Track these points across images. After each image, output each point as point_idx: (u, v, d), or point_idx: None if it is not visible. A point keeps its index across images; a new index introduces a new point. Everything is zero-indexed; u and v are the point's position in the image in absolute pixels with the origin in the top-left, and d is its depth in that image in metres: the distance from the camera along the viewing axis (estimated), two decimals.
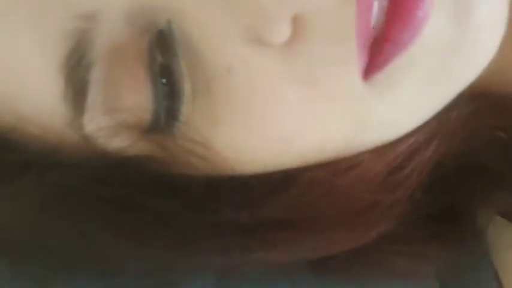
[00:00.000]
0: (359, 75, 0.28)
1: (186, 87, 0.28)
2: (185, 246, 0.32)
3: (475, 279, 0.39)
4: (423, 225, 0.37)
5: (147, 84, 0.28)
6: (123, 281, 0.33)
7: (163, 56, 0.27)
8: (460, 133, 0.35)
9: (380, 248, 0.35)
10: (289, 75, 0.28)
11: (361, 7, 0.26)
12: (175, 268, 0.33)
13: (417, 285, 0.38)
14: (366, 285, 0.37)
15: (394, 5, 0.27)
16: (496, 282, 0.39)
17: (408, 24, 0.27)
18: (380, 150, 0.32)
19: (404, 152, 0.33)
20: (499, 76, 0.36)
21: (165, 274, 0.33)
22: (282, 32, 0.26)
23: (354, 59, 0.27)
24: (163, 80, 0.28)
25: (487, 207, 0.38)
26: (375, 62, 0.28)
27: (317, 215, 0.33)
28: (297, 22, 0.27)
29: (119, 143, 0.29)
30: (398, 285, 0.38)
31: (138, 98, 0.28)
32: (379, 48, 0.28)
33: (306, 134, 0.29)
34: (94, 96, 0.28)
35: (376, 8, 0.27)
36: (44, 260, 0.31)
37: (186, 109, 0.29)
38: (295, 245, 0.33)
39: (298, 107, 0.28)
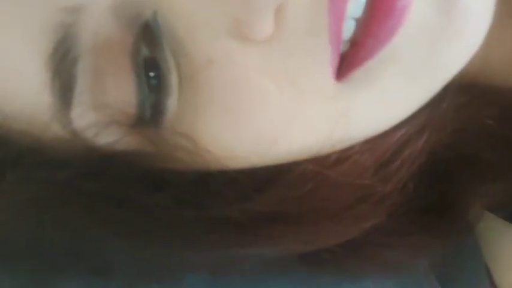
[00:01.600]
0: (331, 72, 0.28)
1: (173, 80, 0.28)
2: (176, 242, 0.32)
3: (466, 272, 0.39)
4: (415, 218, 0.37)
5: (132, 78, 0.28)
6: (115, 278, 0.33)
7: (149, 48, 0.27)
8: (451, 124, 0.35)
9: (372, 240, 0.35)
10: (269, 72, 0.28)
11: (334, 2, 0.26)
12: (168, 265, 0.33)
13: (413, 278, 0.38)
14: (360, 280, 0.37)
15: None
16: (487, 276, 0.39)
17: (388, 16, 0.27)
18: (370, 143, 0.32)
19: (394, 144, 0.33)
20: (488, 67, 0.37)
21: (158, 271, 0.33)
22: (265, 27, 0.26)
23: (326, 56, 0.27)
24: (151, 73, 0.28)
25: (478, 199, 0.38)
26: (351, 58, 0.28)
27: (308, 209, 0.33)
28: (278, 16, 0.27)
29: (107, 137, 0.29)
30: (394, 280, 0.38)
31: (123, 91, 0.28)
32: (360, 45, 0.27)
33: (286, 130, 0.29)
34: (81, 90, 0.27)
35: (352, 3, 0.27)
36: (36, 257, 0.31)
37: (172, 102, 0.28)
38: (287, 238, 0.33)
39: (278, 102, 0.28)
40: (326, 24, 0.27)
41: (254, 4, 0.25)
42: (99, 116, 0.28)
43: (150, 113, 0.28)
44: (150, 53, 0.27)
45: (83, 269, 0.32)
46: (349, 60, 0.28)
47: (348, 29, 0.28)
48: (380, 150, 0.33)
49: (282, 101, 0.28)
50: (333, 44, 0.27)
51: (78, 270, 0.32)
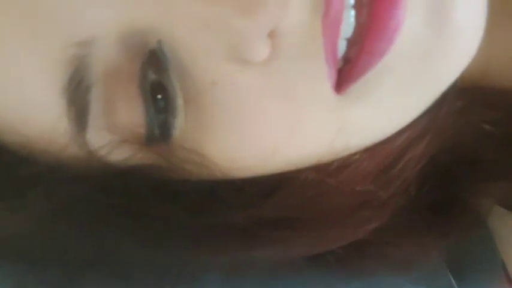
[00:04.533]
0: (331, 88, 0.29)
1: (178, 101, 0.30)
2: (188, 247, 0.34)
3: (482, 265, 0.40)
4: (420, 216, 0.38)
5: (140, 102, 0.30)
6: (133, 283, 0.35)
7: (155, 73, 0.29)
8: (451, 128, 0.36)
9: (377, 240, 0.36)
10: (269, 90, 0.29)
11: (327, 23, 0.28)
12: (182, 268, 0.35)
13: (429, 277, 0.39)
14: (375, 283, 0.38)
15: (367, 16, 0.28)
16: (503, 268, 0.40)
17: (381, 35, 0.28)
18: (371, 150, 0.33)
19: (395, 150, 0.34)
20: (488, 71, 0.37)
21: (172, 274, 0.35)
22: (261, 51, 0.28)
23: (324, 73, 0.29)
24: (159, 96, 0.30)
25: (486, 197, 0.39)
26: (349, 73, 0.29)
27: (311, 214, 0.34)
28: (274, 38, 0.28)
29: (121, 155, 0.31)
30: (406, 277, 0.39)
31: (132, 114, 0.30)
32: (354, 61, 0.29)
33: (288, 144, 0.31)
34: (95, 115, 0.29)
35: (347, 20, 0.28)
36: (59, 268, 0.33)
37: (179, 121, 0.30)
38: (292, 243, 0.35)
39: (279, 119, 0.30)
40: (322, 46, 0.28)
41: (244, 34, 0.27)
42: (112, 136, 0.30)
43: (158, 132, 0.30)
44: (157, 77, 0.29)
45: (103, 275, 0.34)
46: (346, 75, 0.29)
47: (341, 48, 0.29)
48: (381, 156, 0.34)
49: (283, 116, 0.30)
50: (329, 62, 0.28)
51: (99, 276, 0.34)
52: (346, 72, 0.29)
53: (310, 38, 0.28)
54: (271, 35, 0.28)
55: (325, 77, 0.29)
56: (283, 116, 0.30)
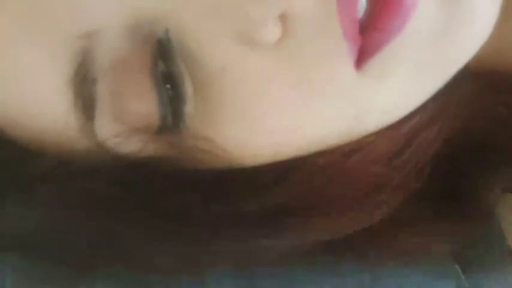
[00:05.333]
0: (352, 65, 0.29)
1: (188, 89, 0.30)
2: (201, 237, 0.33)
3: (490, 254, 0.40)
4: (432, 205, 0.37)
5: (152, 91, 0.29)
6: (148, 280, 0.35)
7: (164, 62, 0.29)
8: (464, 111, 0.36)
9: (389, 228, 0.36)
10: (282, 73, 0.29)
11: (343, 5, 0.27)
12: (195, 259, 0.35)
13: (435, 268, 0.39)
14: (383, 273, 0.38)
15: None
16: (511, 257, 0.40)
17: (397, 12, 0.27)
18: (384, 132, 0.33)
19: (408, 132, 0.34)
20: (501, 54, 0.37)
21: (186, 265, 0.35)
22: (272, 32, 0.28)
23: (345, 50, 0.28)
24: (168, 85, 0.29)
25: (495, 184, 0.39)
26: (366, 49, 0.29)
27: (325, 199, 0.34)
28: (286, 20, 0.28)
29: (131, 146, 0.31)
30: (415, 271, 0.39)
31: (145, 105, 0.30)
32: (370, 36, 0.28)
33: (304, 128, 0.30)
34: (103, 106, 0.29)
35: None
36: (69, 263, 0.33)
37: (189, 109, 0.30)
38: (306, 229, 0.34)
39: (294, 103, 0.29)
40: (338, 23, 0.28)
41: (255, 17, 0.27)
42: (122, 127, 0.30)
43: (171, 122, 0.30)
44: (166, 67, 0.29)
45: (115, 269, 0.34)
46: (363, 51, 0.29)
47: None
48: (394, 138, 0.34)
49: (298, 100, 0.29)
50: (348, 37, 0.28)
51: (111, 269, 0.34)
52: (364, 48, 0.29)
53: (325, 17, 0.28)
54: (282, 16, 0.28)
55: (345, 54, 0.28)
56: (298, 99, 0.29)
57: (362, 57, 0.29)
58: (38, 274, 0.34)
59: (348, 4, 0.27)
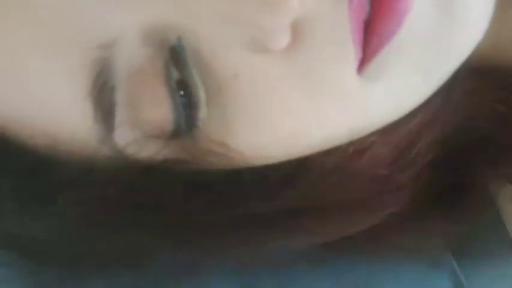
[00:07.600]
0: (355, 71, 0.30)
1: (201, 96, 0.30)
2: (210, 240, 0.34)
3: (491, 245, 0.41)
4: (434, 201, 0.38)
5: (167, 98, 0.30)
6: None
7: (177, 70, 0.30)
8: (464, 109, 0.37)
9: (391, 225, 0.37)
10: (291, 77, 0.30)
11: (354, 7, 0.28)
12: (200, 260, 0.36)
13: (431, 261, 0.39)
14: (379, 267, 0.38)
15: None
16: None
17: (390, 16, 0.28)
18: (386, 134, 0.34)
19: (410, 133, 0.35)
20: (499, 50, 0.38)
21: (190, 267, 0.36)
22: (282, 39, 0.28)
23: (352, 56, 0.29)
24: (181, 92, 0.30)
25: (497, 178, 0.40)
26: (365, 55, 0.29)
27: (332, 200, 0.35)
28: (296, 27, 0.28)
29: (148, 151, 0.31)
30: (410, 264, 0.39)
31: (160, 112, 0.30)
32: (369, 41, 0.29)
33: (311, 129, 0.31)
34: (121, 115, 0.30)
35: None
36: (84, 268, 0.34)
37: (202, 115, 0.31)
38: (313, 230, 0.35)
39: (302, 106, 0.30)
40: (349, 31, 0.29)
41: (266, 25, 0.28)
42: (139, 133, 0.31)
43: (185, 127, 0.31)
44: (180, 75, 0.30)
45: (124, 270, 0.35)
46: (363, 55, 0.30)
47: None
48: (396, 140, 0.35)
49: (306, 103, 0.30)
50: (356, 44, 0.29)
51: (119, 270, 0.34)
52: (364, 53, 0.30)
53: (337, 24, 0.28)
54: (293, 23, 0.28)
55: (352, 59, 0.29)
56: (305, 102, 0.30)
57: (362, 63, 0.30)
58: (49, 277, 0.35)
59: (359, 12, 0.28)
